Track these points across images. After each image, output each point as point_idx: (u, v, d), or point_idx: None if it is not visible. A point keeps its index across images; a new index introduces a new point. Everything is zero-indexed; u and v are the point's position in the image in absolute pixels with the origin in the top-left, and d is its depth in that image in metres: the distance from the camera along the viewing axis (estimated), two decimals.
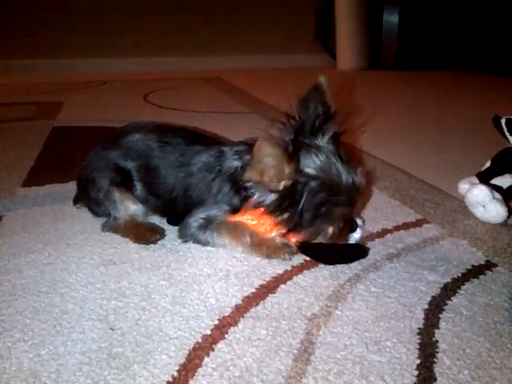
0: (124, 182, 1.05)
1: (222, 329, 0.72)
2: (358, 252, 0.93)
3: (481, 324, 0.73)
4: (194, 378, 0.62)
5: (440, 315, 0.75)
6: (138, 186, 1.05)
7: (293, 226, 0.89)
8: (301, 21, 4.62)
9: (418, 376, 0.62)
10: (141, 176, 1.05)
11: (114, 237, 1.03)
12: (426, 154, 1.68)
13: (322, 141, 0.88)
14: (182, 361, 0.65)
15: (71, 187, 1.30)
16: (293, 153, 0.84)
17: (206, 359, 0.65)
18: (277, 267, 0.90)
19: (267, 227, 0.95)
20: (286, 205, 0.87)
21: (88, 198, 1.10)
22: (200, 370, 0.63)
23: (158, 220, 1.10)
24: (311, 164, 0.85)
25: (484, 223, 1.08)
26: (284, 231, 0.91)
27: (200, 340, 0.69)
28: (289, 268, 0.90)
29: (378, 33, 4.17)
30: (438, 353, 0.66)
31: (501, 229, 1.06)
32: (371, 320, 0.74)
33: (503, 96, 2.94)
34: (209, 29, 4.48)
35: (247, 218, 0.96)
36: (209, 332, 0.71)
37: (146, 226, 1.05)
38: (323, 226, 0.89)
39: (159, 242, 1.01)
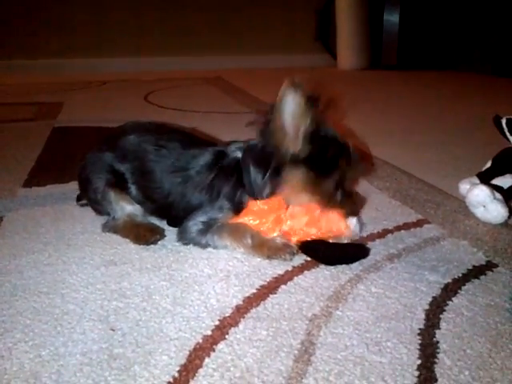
0: (119, 183, 1.05)
1: (222, 329, 0.72)
2: (359, 252, 0.93)
3: (482, 324, 0.73)
4: (195, 378, 0.62)
5: (441, 316, 0.75)
6: (133, 189, 1.05)
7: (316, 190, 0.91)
8: (301, 21, 4.62)
9: (418, 376, 0.62)
10: (135, 179, 1.04)
11: (115, 237, 1.03)
12: (426, 154, 1.68)
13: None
14: (183, 361, 0.65)
15: (72, 187, 1.30)
16: (311, 106, 0.86)
17: (207, 360, 0.65)
18: (277, 268, 0.90)
19: (269, 225, 0.95)
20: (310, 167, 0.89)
21: (88, 198, 1.11)
22: (201, 370, 0.63)
23: (158, 220, 1.10)
24: (322, 129, 0.89)
25: (485, 223, 1.08)
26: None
27: (201, 340, 0.69)
28: (289, 268, 0.90)
29: (379, 32, 4.17)
30: (438, 353, 0.66)
31: (501, 229, 1.06)
32: (372, 320, 0.74)
33: (504, 96, 2.94)
34: (209, 29, 4.48)
35: (249, 219, 0.96)
36: (209, 332, 0.71)
37: (145, 226, 1.05)
38: (333, 190, 0.92)
39: (159, 242, 1.01)
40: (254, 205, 0.95)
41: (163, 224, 1.08)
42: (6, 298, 0.81)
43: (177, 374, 0.62)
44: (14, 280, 0.87)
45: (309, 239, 0.94)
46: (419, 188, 1.32)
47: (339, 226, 0.95)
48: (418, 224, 1.08)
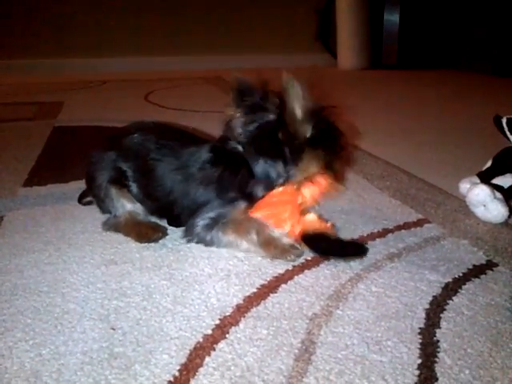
0: (121, 181, 1.05)
1: (223, 328, 0.72)
2: (358, 250, 0.94)
3: (482, 323, 0.73)
4: (195, 377, 0.62)
5: (441, 315, 0.75)
6: (134, 187, 1.05)
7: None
8: (301, 20, 4.62)
9: (419, 376, 0.62)
10: (137, 177, 1.04)
11: (115, 236, 1.03)
12: (426, 154, 1.68)
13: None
14: (183, 360, 0.65)
15: (72, 187, 1.31)
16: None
17: (207, 359, 0.65)
18: (278, 267, 0.90)
19: (288, 214, 0.96)
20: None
21: (94, 195, 1.11)
22: (201, 369, 0.63)
23: (158, 220, 1.10)
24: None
25: (485, 223, 1.08)
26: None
27: (201, 340, 0.69)
28: (290, 268, 0.90)
29: (379, 32, 4.16)
30: (439, 352, 0.66)
31: (502, 228, 1.06)
32: (372, 320, 0.74)
33: (504, 96, 2.94)
34: (209, 28, 4.48)
35: (267, 212, 0.96)
36: (210, 332, 0.71)
37: (147, 224, 1.05)
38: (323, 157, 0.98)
39: (160, 241, 1.01)
40: (272, 196, 0.97)
41: (164, 223, 1.08)
42: (7, 297, 0.81)
43: (177, 373, 0.62)
44: (15, 279, 0.87)
45: (311, 232, 0.94)
46: (419, 187, 1.32)
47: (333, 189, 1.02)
48: (419, 223, 1.08)
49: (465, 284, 0.83)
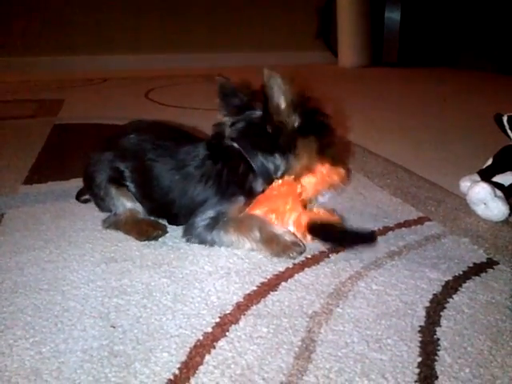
0: (119, 180, 1.05)
1: (223, 326, 0.72)
2: (367, 237, 0.94)
3: (482, 322, 0.73)
4: (195, 375, 0.62)
5: (441, 313, 0.75)
6: (132, 188, 1.05)
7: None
8: (302, 18, 4.61)
9: (419, 374, 0.62)
10: (134, 177, 1.05)
11: (115, 234, 1.03)
12: (427, 152, 1.68)
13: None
14: (183, 358, 0.65)
15: (73, 184, 1.31)
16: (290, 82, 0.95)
17: (207, 357, 0.65)
18: (278, 265, 0.90)
19: (290, 205, 0.96)
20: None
21: (93, 194, 1.11)
22: (201, 367, 0.63)
23: (157, 219, 1.10)
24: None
25: (485, 221, 1.08)
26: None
27: (201, 338, 0.69)
28: (290, 266, 0.90)
29: (380, 30, 4.16)
30: (439, 351, 0.66)
31: (502, 226, 1.06)
32: (372, 318, 0.74)
33: (505, 93, 2.94)
34: (210, 26, 4.47)
35: (269, 206, 0.96)
36: (210, 330, 0.71)
37: (147, 222, 1.05)
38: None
39: (160, 239, 1.01)
40: (272, 189, 0.97)
41: (164, 221, 1.08)
42: (7, 295, 0.81)
43: (177, 371, 0.62)
44: (15, 277, 0.87)
45: (318, 222, 0.94)
46: (420, 185, 1.32)
47: (335, 176, 1.03)
48: (419, 221, 1.08)
49: (465, 282, 0.83)
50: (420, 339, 0.69)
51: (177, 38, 4.44)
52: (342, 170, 1.04)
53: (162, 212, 1.06)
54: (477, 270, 0.88)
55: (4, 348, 0.68)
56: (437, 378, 0.61)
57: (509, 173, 1.13)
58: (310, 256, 0.93)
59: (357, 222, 1.08)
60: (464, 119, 2.22)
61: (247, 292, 0.81)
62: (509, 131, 1.21)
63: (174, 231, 1.04)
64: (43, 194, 1.27)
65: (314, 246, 0.96)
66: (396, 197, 1.23)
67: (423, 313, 0.75)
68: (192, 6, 4.40)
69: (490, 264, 0.89)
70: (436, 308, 0.76)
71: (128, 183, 1.05)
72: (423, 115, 2.35)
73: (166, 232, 1.03)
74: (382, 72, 4.05)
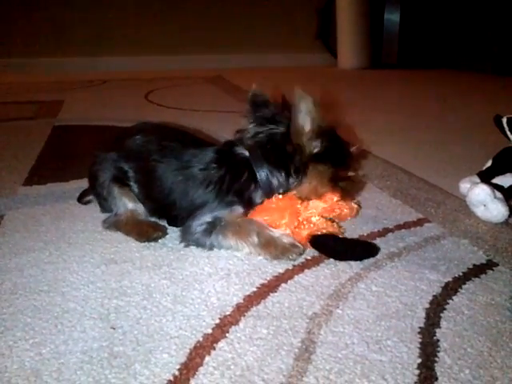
0: (123, 180, 1.06)
1: (223, 328, 0.72)
2: (369, 249, 0.94)
3: (482, 323, 0.73)
4: (195, 376, 0.62)
5: (441, 314, 0.75)
6: (135, 188, 1.05)
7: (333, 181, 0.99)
8: (302, 20, 4.62)
9: (419, 375, 0.62)
10: (137, 178, 1.05)
11: (115, 235, 1.03)
12: (426, 153, 1.68)
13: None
14: (183, 360, 0.65)
15: (72, 186, 1.31)
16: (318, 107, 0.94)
17: (207, 358, 0.65)
18: (278, 266, 0.90)
19: (287, 220, 0.96)
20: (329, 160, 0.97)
21: (96, 194, 1.11)
22: (201, 368, 0.63)
23: (158, 221, 1.10)
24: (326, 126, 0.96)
25: (485, 222, 1.08)
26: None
27: (201, 339, 0.69)
28: (290, 267, 0.90)
29: (379, 31, 4.17)
30: (439, 352, 0.66)
31: (502, 228, 1.06)
32: (372, 319, 0.74)
33: (504, 95, 2.94)
34: (210, 28, 4.48)
35: (266, 217, 0.96)
36: (210, 331, 0.71)
37: (148, 223, 1.05)
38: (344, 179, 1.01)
39: (160, 241, 1.01)
40: (271, 202, 0.97)
41: (164, 223, 1.08)
42: (7, 296, 0.81)
43: (177, 373, 0.62)
44: (15, 278, 0.87)
45: (319, 233, 0.94)
46: (420, 187, 1.32)
47: (346, 208, 1.01)
48: (419, 223, 1.08)
49: (465, 283, 0.83)
50: (420, 340, 0.69)
51: (177, 39, 4.44)
52: (353, 205, 1.03)
53: (163, 213, 1.06)
54: (476, 271, 0.88)
55: (4, 349, 0.68)
56: (437, 379, 0.61)
57: (508, 174, 1.13)
58: (309, 257, 0.93)
59: (357, 223, 1.08)
60: (463, 121, 2.22)
61: (247, 293, 0.81)
62: (508, 133, 1.22)
63: (174, 232, 1.04)
64: (43, 196, 1.27)
65: None
66: (396, 198, 1.23)
67: (423, 314, 0.75)
68: (192, 7, 4.41)
69: (489, 265, 0.90)
70: (436, 309, 0.76)
71: (131, 183, 1.05)
72: (422, 117, 2.35)
73: (166, 233, 1.04)
74: (382, 74, 4.05)
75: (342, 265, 0.90)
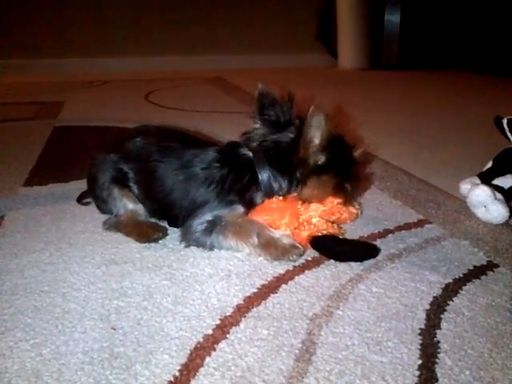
0: (123, 181, 1.06)
1: (223, 329, 0.72)
2: (369, 250, 0.94)
3: (482, 324, 0.73)
4: (196, 377, 0.62)
5: (441, 316, 0.75)
6: (135, 189, 1.06)
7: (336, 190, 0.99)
8: (302, 20, 4.62)
9: (419, 376, 0.62)
10: (137, 179, 1.05)
11: (116, 236, 1.03)
12: (427, 154, 1.68)
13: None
14: (184, 360, 0.65)
15: (73, 187, 1.31)
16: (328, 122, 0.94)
17: (208, 359, 0.65)
18: (278, 267, 0.90)
19: (287, 221, 0.96)
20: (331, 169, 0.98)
21: (95, 196, 1.11)
22: (201, 369, 0.63)
23: (158, 221, 1.10)
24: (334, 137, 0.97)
25: (485, 224, 1.08)
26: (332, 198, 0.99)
27: (201, 340, 0.69)
28: (290, 268, 0.90)
29: (380, 32, 4.17)
30: (439, 353, 0.66)
31: (502, 229, 1.06)
32: (372, 320, 0.74)
33: (504, 96, 2.94)
34: (210, 28, 4.48)
35: (266, 217, 0.96)
36: (210, 332, 0.71)
37: (148, 224, 1.05)
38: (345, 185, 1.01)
39: (161, 241, 1.01)
40: (271, 202, 0.97)
41: (164, 224, 1.08)
42: (7, 297, 0.81)
43: (178, 373, 0.62)
44: (15, 279, 0.87)
45: (319, 234, 0.94)
46: (420, 188, 1.32)
47: (345, 213, 1.02)
48: (419, 224, 1.08)
49: (465, 285, 0.83)
50: (420, 342, 0.69)
51: (177, 40, 4.44)
52: (353, 210, 1.04)
53: (164, 213, 1.06)
54: (477, 272, 0.88)
55: (4, 350, 0.68)
56: (437, 380, 0.61)
57: (509, 176, 1.14)
58: (310, 258, 0.93)
59: (357, 224, 1.08)
60: (464, 122, 2.23)
61: (248, 294, 0.81)
62: (509, 134, 1.22)
63: (175, 233, 1.04)
64: (43, 196, 1.27)
65: None
66: (396, 199, 1.23)
67: (423, 315, 0.75)
68: (192, 8, 4.41)
69: (490, 267, 0.90)
70: (436, 311, 0.76)
71: (131, 184, 1.05)
72: (423, 117, 2.35)
73: (167, 234, 1.04)
74: (382, 74, 4.05)
75: (343, 266, 0.90)
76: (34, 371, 0.63)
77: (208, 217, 0.96)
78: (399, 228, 1.07)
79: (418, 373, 0.62)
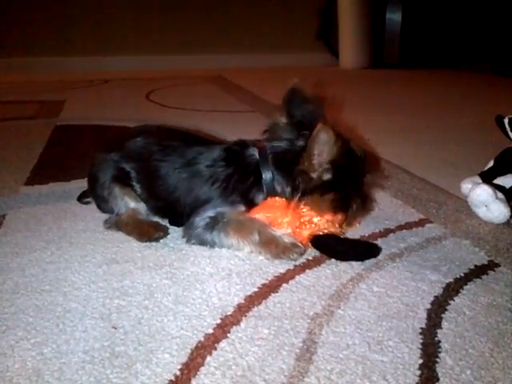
0: (124, 180, 1.06)
1: (224, 328, 0.72)
2: (370, 250, 0.94)
3: (483, 324, 0.73)
4: (197, 376, 0.62)
5: (442, 315, 0.75)
6: (137, 188, 1.06)
7: (338, 205, 0.96)
8: (303, 19, 4.61)
9: (420, 376, 0.62)
10: (140, 178, 1.05)
11: (117, 235, 1.03)
12: (427, 153, 1.68)
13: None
14: (185, 360, 0.65)
15: (74, 186, 1.31)
16: (338, 137, 0.91)
17: (209, 358, 0.65)
18: (279, 266, 0.90)
19: (289, 219, 0.95)
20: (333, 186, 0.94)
21: (95, 195, 1.11)
22: (202, 368, 0.63)
23: (161, 220, 1.10)
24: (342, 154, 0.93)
25: (487, 223, 1.08)
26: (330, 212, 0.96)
27: (202, 339, 0.69)
28: (291, 267, 0.90)
29: (381, 31, 4.16)
30: (440, 353, 0.66)
31: (503, 229, 1.06)
32: (373, 319, 0.74)
33: (505, 95, 2.94)
34: (211, 27, 4.47)
35: (267, 214, 0.96)
36: (211, 331, 0.71)
37: (149, 223, 1.05)
38: (354, 198, 0.98)
39: (162, 240, 1.01)
40: (274, 201, 0.97)
41: (165, 223, 1.08)
42: (8, 296, 0.81)
43: (178, 373, 0.63)
44: (16, 278, 0.87)
45: (320, 233, 0.94)
46: (421, 187, 1.32)
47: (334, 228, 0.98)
48: (420, 223, 1.08)
49: (466, 284, 0.83)
50: (421, 341, 0.69)
51: (178, 39, 4.44)
52: (342, 230, 0.99)
53: (167, 211, 1.07)
54: (478, 272, 0.88)
55: (5, 349, 0.68)
56: (438, 379, 0.61)
57: (510, 175, 1.13)
58: (311, 258, 0.93)
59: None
60: (465, 121, 2.22)
61: (248, 293, 0.81)
62: (510, 133, 1.22)
63: (176, 232, 1.04)
64: (44, 195, 1.28)
65: None
66: (397, 199, 1.23)
67: (424, 315, 0.75)
68: (193, 7, 4.40)
69: (491, 266, 0.90)
70: (437, 310, 0.76)
71: (133, 183, 1.05)
72: (424, 116, 2.35)
73: (168, 233, 1.04)
74: (383, 73, 4.05)
75: (344, 265, 0.90)
76: (35, 370, 0.63)
77: (210, 213, 0.96)
78: (400, 227, 1.06)
79: (418, 372, 0.62)
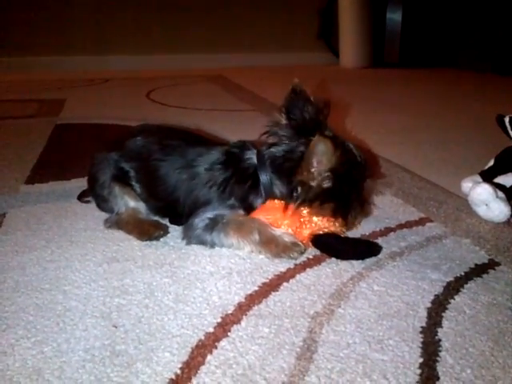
0: (124, 179, 1.06)
1: (224, 327, 0.72)
2: (371, 249, 0.94)
3: (484, 323, 0.73)
4: (197, 375, 0.62)
5: (443, 314, 0.75)
6: (137, 187, 1.06)
7: (338, 211, 0.95)
8: (303, 19, 4.61)
9: (420, 374, 0.62)
10: (140, 177, 1.05)
11: (117, 234, 1.03)
12: (428, 152, 1.68)
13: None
14: (185, 358, 0.65)
15: (74, 184, 1.31)
16: (337, 146, 0.89)
17: (209, 357, 0.65)
18: (279, 265, 0.90)
19: (288, 221, 0.95)
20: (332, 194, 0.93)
21: (95, 195, 1.11)
22: (203, 367, 0.63)
23: (161, 219, 1.10)
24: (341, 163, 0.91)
25: (487, 222, 1.08)
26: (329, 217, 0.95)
27: (203, 338, 0.69)
28: (291, 266, 0.90)
29: (381, 31, 4.16)
30: (440, 351, 0.66)
31: (504, 227, 1.06)
32: (374, 318, 0.74)
33: (505, 94, 2.94)
34: (211, 27, 4.47)
35: (267, 216, 0.96)
36: (212, 330, 0.71)
37: (149, 222, 1.05)
38: (354, 203, 0.97)
39: (162, 239, 1.01)
40: (273, 203, 0.96)
41: (166, 222, 1.08)
42: (9, 295, 0.81)
43: (179, 371, 0.63)
44: (17, 276, 0.87)
45: (321, 233, 0.94)
46: (421, 186, 1.32)
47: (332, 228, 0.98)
48: (421, 222, 1.08)
49: (467, 283, 0.83)
50: (421, 340, 0.69)
51: (178, 38, 4.44)
52: (342, 229, 0.98)
53: (168, 211, 1.06)
54: (478, 271, 0.88)
55: (6, 347, 0.68)
56: (438, 378, 0.61)
57: (510, 174, 1.13)
58: (311, 256, 0.93)
59: None
60: (465, 120, 2.22)
61: (249, 292, 0.81)
62: (510, 132, 1.21)
63: (176, 231, 1.04)
64: (45, 194, 1.28)
65: None
66: (397, 198, 1.23)
67: (425, 314, 0.75)
68: (193, 6, 4.40)
69: (491, 265, 0.90)
70: (437, 309, 0.76)
71: (133, 183, 1.06)
72: (424, 115, 2.35)
73: (168, 232, 1.04)
74: (383, 73, 4.05)
75: (344, 264, 0.90)
76: (36, 369, 0.64)
77: (209, 214, 0.96)
78: (400, 226, 1.06)
79: (419, 371, 0.63)
